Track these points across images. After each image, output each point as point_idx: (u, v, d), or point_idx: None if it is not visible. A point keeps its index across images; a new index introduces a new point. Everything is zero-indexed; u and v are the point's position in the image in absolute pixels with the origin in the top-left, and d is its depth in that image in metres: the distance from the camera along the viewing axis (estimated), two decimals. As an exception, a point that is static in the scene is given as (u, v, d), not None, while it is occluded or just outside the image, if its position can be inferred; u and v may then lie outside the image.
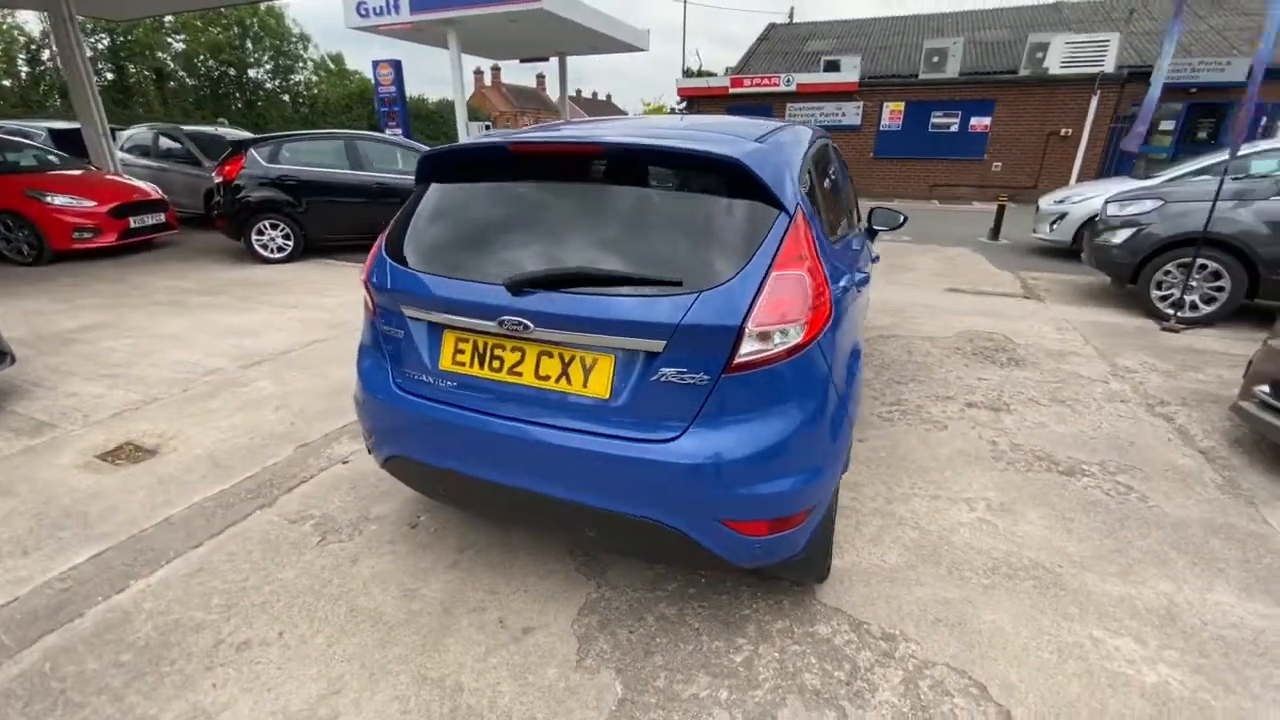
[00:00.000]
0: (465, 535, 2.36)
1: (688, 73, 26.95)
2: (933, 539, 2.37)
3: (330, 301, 5.55)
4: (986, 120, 15.73)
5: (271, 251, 7.02)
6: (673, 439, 1.53)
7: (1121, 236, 5.47)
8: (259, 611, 1.97)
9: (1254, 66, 4.41)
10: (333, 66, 37.92)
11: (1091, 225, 7.21)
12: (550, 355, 1.62)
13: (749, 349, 1.47)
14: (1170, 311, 5.16)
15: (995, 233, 9.83)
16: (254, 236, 6.89)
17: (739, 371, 1.48)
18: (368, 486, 2.68)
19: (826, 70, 17.00)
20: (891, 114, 16.39)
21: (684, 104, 19.78)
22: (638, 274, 1.52)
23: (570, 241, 1.67)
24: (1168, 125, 14.97)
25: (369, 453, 2.14)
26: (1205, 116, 14.78)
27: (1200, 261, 4.94)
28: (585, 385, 1.58)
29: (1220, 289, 5.00)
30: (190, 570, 2.15)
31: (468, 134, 16.96)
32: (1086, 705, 1.66)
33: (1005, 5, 20.32)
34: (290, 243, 7.04)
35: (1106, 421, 3.40)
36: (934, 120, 16.15)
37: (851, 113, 16.65)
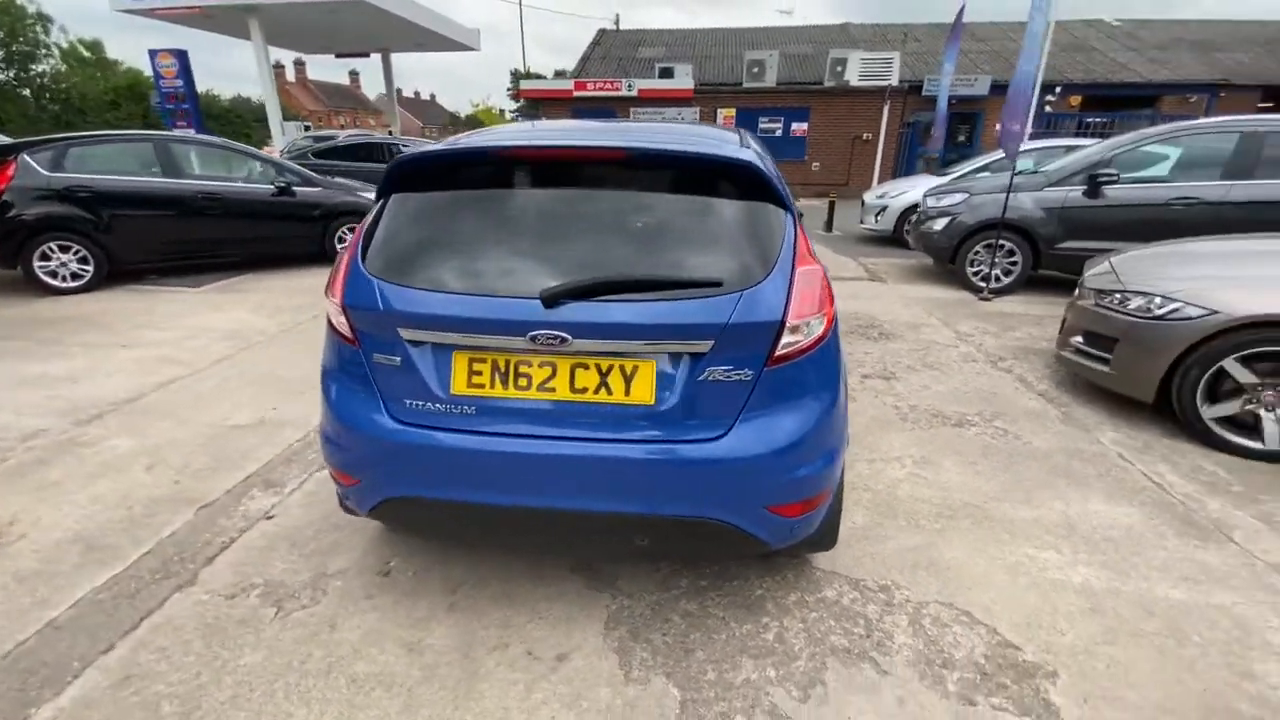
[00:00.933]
0: (451, 572, 2.17)
1: (516, 74, 26.56)
2: (883, 497, 2.67)
3: (170, 335, 4.66)
4: (804, 125, 17.68)
5: (63, 280, 5.68)
6: (720, 435, 1.58)
7: (940, 224, 6.54)
8: (233, 709, 1.65)
9: (1019, 81, 5.52)
10: (88, 55, 31.08)
11: (909, 215, 8.52)
12: (586, 367, 1.57)
13: (787, 341, 1.56)
14: (982, 284, 6.27)
15: (829, 225, 11.11)
16: (37, 262, 5.52)
17: (778, 364, 1.57)
18: (310, 540, 2.35)
19: (662, 76, 17.87)
20: (725, 119, 17.70)
21: (521, 105, 19.54)
22: (681, 277, 1.54)
23: (589, 248, 1.62)
24: (936, 131, 18.05)
25: (345, 499, 1.88)
26: (963, 123, 18.03)
27: (1000, 242, 6.08)
28: (628, 394, 1.56)
29: (1015, 263, 6.19)
30: (113, 680, 1.73)
31: (283, 134, 15.12)
32: (1044, 609, 2.01)
33: (804, 24, 23.11)
34: (89, 268, 5.75)
35: (969, 378, 4.06)
36: (761, 125, 17.76)
37: (690, 117, 17.65)
